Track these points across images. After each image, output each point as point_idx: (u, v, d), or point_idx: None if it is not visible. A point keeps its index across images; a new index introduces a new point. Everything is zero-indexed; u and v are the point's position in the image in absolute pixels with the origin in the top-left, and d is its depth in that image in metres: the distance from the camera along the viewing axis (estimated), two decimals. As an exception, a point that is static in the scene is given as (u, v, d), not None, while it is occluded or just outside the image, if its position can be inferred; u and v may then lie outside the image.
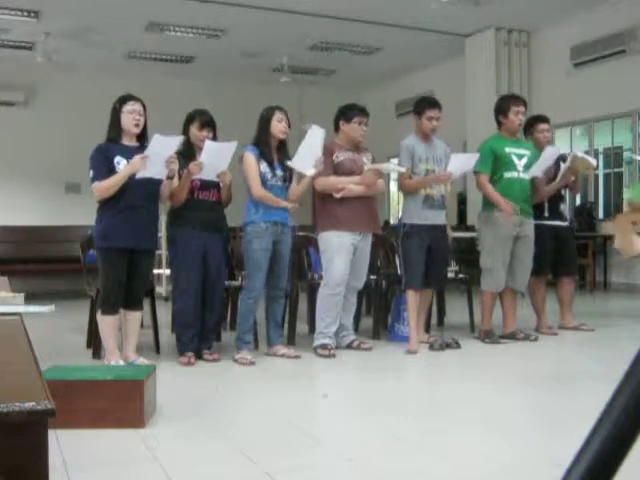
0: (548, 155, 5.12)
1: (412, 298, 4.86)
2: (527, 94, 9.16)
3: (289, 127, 4.58)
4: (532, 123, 5.53)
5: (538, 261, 5.25)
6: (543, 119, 5.55)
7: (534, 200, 5.27)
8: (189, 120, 4.52)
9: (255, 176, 4.48)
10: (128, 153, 4.12)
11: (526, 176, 5.09)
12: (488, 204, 5.14)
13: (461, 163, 4.92)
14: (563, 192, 5.57)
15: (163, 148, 4.07)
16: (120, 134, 4.20)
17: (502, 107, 5.22)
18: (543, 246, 5.30)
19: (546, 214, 5.41)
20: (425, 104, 4.97)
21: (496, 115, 5.25)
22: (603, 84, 8.64)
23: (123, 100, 4.22)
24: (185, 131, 4.49)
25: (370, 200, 4.85)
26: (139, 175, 4.04)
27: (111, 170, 4.09)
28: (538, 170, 5.08)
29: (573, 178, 5.50)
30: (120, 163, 4.10)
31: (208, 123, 4.49)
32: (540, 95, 9.44)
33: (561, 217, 5.52)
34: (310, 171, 4.55)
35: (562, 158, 5.39)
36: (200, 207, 4.42)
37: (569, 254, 5.57)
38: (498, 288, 5.11)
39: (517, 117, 5.12)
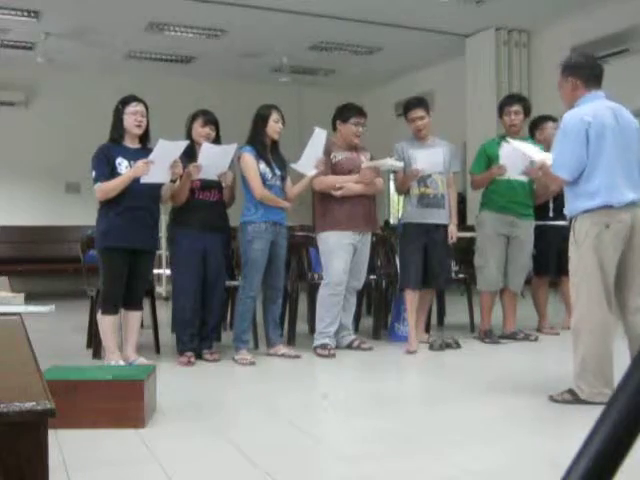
0: (506, 153, 4.70)
1: (409, 297, 4.86)
2: (527, 94, 9.14)
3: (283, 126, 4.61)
4: (537, 123, 5.47)
5: (540, 261, 5.23)
6: (549, 118, 5.43)
7: (538, 201, 5.23)
8: (192, 118, 4.54)
9: (256, 177, 4.49)
10: (130, 154, 4.14)
11: (521, 178, 4.93)
12: (481, 205, 5.15)
13: (429, 159, 4.75)
14: None
15: (167, 153, 4.09)
16: (122, 135, 4.21)
17: (499, 107, 5.26)
18: (546, 246, 5.26)
19: (551, 214, 5.36)
20: (405, 108, 4.97)
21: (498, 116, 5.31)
22: (604, 84, 8.60)
23: (126, 101, 4.23)
24: (188, 130, 4.52)
25: (369, 199, 4.85)
26: (143, 180, 4.06)
27: (113, 171, 4.10)
28: (514, 172, 4.74)
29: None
30: (122, 164, 4.11)
31: (211, 121, 4.51)
32: (540, 95, 9.42)
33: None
34: (311, 172, 4.60)
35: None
36: (200, 207, 4.43)
37: None
38: (492, 287, 5.10)
39: (509, 117, 5.09)
